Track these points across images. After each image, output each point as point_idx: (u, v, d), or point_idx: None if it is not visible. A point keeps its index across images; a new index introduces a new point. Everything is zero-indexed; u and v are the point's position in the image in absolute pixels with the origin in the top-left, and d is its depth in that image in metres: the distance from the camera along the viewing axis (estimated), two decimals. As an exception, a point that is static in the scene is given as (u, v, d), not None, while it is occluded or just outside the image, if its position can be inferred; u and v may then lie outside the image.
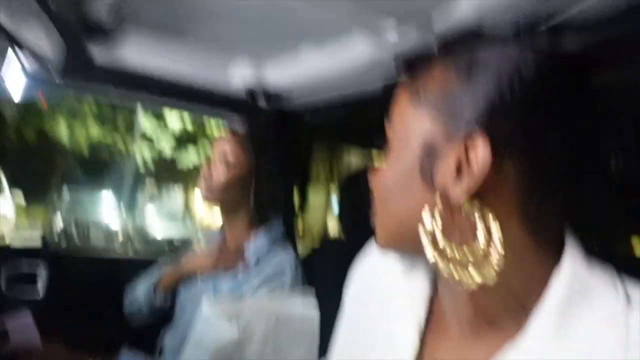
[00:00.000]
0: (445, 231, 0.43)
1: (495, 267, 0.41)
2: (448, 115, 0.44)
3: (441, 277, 0.48)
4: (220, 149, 1.27)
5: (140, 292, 1.32)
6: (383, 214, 0.50)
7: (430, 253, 0.42)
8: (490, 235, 0.41)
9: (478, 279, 0.41)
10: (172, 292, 1.30)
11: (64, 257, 1.73)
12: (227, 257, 1.23)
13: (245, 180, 1.24)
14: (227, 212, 1.31)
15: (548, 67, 0.42)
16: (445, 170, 0.43)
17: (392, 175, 0.48)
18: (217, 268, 1.22)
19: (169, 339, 1.25)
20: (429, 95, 0.45)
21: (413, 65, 0.50)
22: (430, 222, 0.43)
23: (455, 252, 0.42)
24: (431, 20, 0.85)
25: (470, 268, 0.41)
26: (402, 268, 0.56)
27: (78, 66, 1.28)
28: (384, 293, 0.57)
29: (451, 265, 0.42)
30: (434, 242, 0.43)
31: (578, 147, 0.42)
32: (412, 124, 0.47)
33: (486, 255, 0.41)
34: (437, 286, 0.52)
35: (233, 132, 1.30)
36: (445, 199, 0.43)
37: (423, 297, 0.53)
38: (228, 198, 1.25)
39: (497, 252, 0.41)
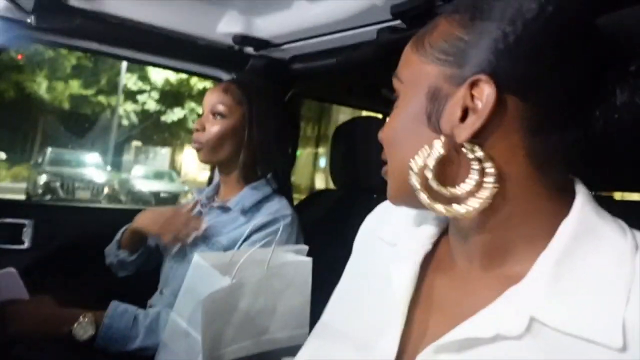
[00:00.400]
0: (437, 172, 0.44)
1: (478, 206, 0.43)
2: (453, 61, 0.44)
3: (452, 219, 0.49)
4: (210, 100, 1.21)
5: (111, 247, 1.31)
6: (393, 165, 0.50)
7: (420, 194, 0.45)
8: (484, 175, 0.43)
9: (461, 212, 0.44)
10: (136, 248, 1.27)
11: (49, 207, 1.70)
12: (186, 222, 1.14)
13: (239, 132, 1.19)
14: (221, 170, 1.26)
15: (553, 6, 0.41)
16: (451, 112, 0.43)
17: (400, 123, 0.49)
18: (166, 230, 1.14)
19: (159, 296, 1.24)
20: (434, 43, 0.46)
21: (416, 13, 0.49)
22: (423, 163, 0.45)
23: (442, 190, 0.44)
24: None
25: (454, 204, 0.44)
26: (411, 218, 0.57)
27: (51, 6, 1.19)
28: (390, 240, 0.58)
29: (438, 204, 0.45)
30: (424, 182, 0.45)
31: (583, 86, 0.42)
32: (418, 71, 0.47)
33: (472, 193, 0.43)
34: (448, 229, 0.53)
35: (222, 83, 1.25)
36: (450, 141, 0.44)
37: (427, 239, 0.53)
38: (222, 154, 1.19)
39: (487, 191, 0.43)
